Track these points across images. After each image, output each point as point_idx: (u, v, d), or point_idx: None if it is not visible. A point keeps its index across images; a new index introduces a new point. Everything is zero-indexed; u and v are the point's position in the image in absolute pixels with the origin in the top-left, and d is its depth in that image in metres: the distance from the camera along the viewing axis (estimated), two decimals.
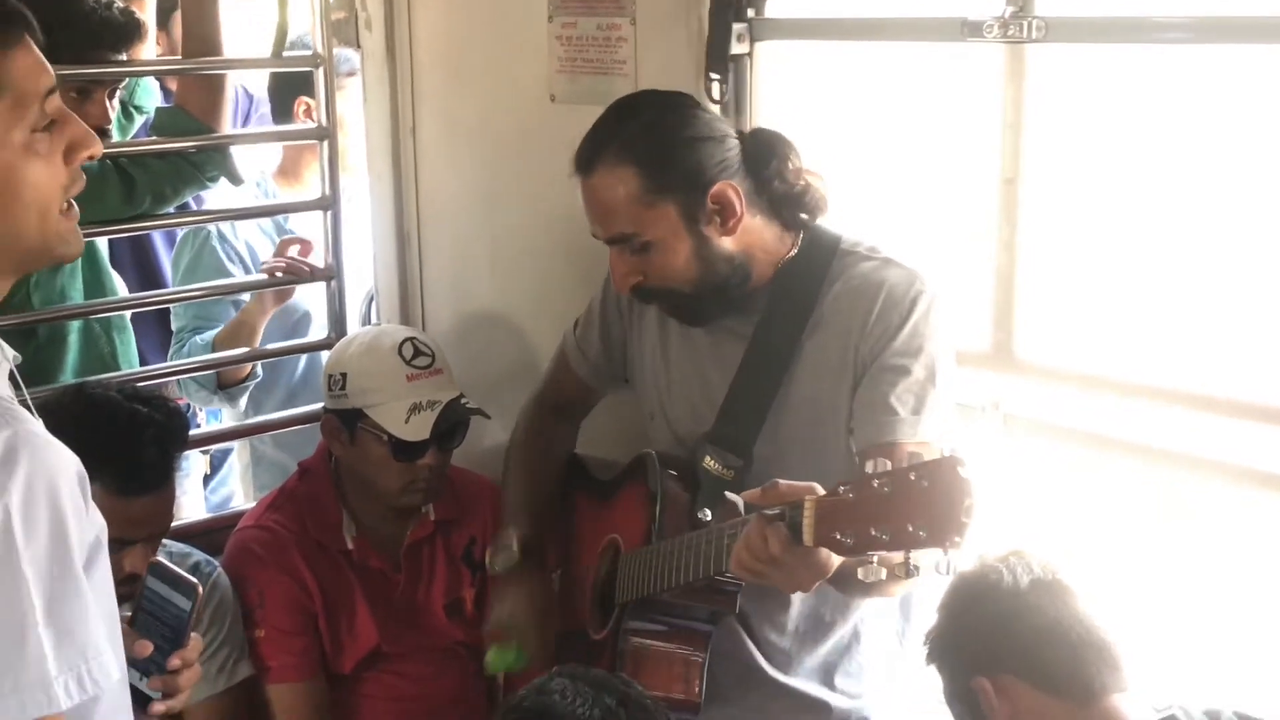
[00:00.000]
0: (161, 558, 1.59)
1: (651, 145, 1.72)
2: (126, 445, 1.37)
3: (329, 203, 2.44)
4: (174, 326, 2.70)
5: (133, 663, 1.39)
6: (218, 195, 2.64)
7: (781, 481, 1.44)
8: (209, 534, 2.29)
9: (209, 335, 2.63)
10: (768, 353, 1.77)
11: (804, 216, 1.79)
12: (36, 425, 1.17)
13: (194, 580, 1.47)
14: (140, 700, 1.40)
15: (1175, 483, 1.81)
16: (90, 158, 1.23)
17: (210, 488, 3.24)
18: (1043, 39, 1.75)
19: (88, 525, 1.18)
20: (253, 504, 2.68)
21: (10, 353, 1.27)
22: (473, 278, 2.54)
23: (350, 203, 2.58)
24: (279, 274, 2.49)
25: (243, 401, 2.72)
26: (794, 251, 1.78)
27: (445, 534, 2.24)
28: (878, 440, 1.65)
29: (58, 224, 1.22)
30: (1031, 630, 1.57)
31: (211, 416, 3.11)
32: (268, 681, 2.11)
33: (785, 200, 1.78)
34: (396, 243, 2.58)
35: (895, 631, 1.92)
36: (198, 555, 2.12)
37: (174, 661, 1.45)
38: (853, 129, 2.07)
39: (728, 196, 1.71)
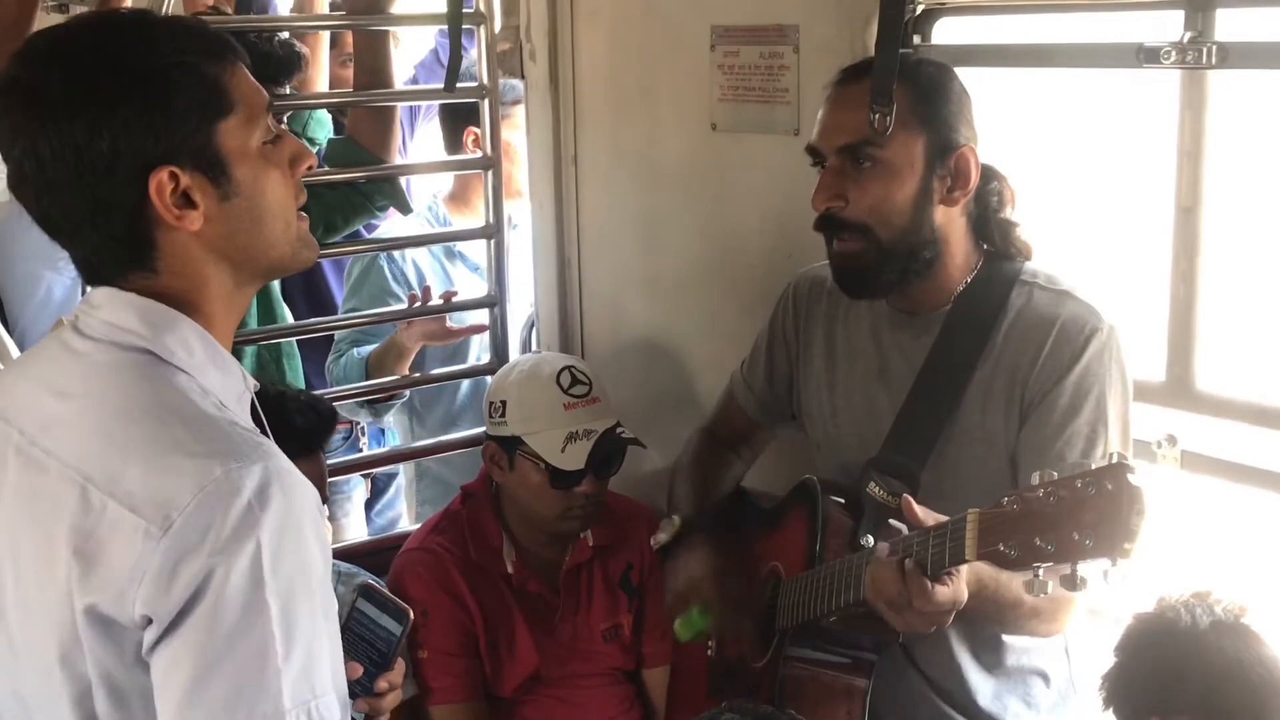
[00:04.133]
0: (372, 581, 1.67)
1: (932, 78, 1.77)
2: (274, 421, 1.46)
3: (493, 231, 2.57)
4: (335, 336, 2.85)
5: None
6: (388, 221, 2.79)
7: (919, 508, 1.49)
8: (375, 554, 2.41)
9: (366, 350, 2.77)
10: (940, 379, 1.78)
11: (987, 248, 1.83)
12: (284, 459, 1.23)
13: (405, 605, 1.52)
14: None
15: None
16: (309, 169, 1.33)
17: (376, 510, 3.39)
18: (1222, 64, 1.74)
19: (327, 548, 1.26)
20: (417, 521, 2.87)
21: (251, 381, 1.35)
22: (631, 305, 2.62)
23: (517, 229, 2.70)
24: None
25: (388, 418, 2.86)
26: (974, 275, 1.81)
27: (603, 560, 2.32)
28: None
29: (299, 229, 1.32)
30: (1210, 672, 1.57)
31: (374, 441, 3.27)
32: (430, 703, 2.20)
33: (994, 222, 1.82)
34: (557, 269, 2.69)
35: (1063, 676, 1.92)
36: (365, 575, 2.23)
37: (381, 684, 1.48)
38: (1025, 157, 2.07)
39: (969, 164, 1.75)
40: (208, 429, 1.22)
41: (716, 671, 2.08)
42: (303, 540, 1.21)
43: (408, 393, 2.82)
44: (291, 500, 1.20)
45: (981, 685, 1.86)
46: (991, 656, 1.86)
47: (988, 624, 1.76)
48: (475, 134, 2.74)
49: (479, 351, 2.86)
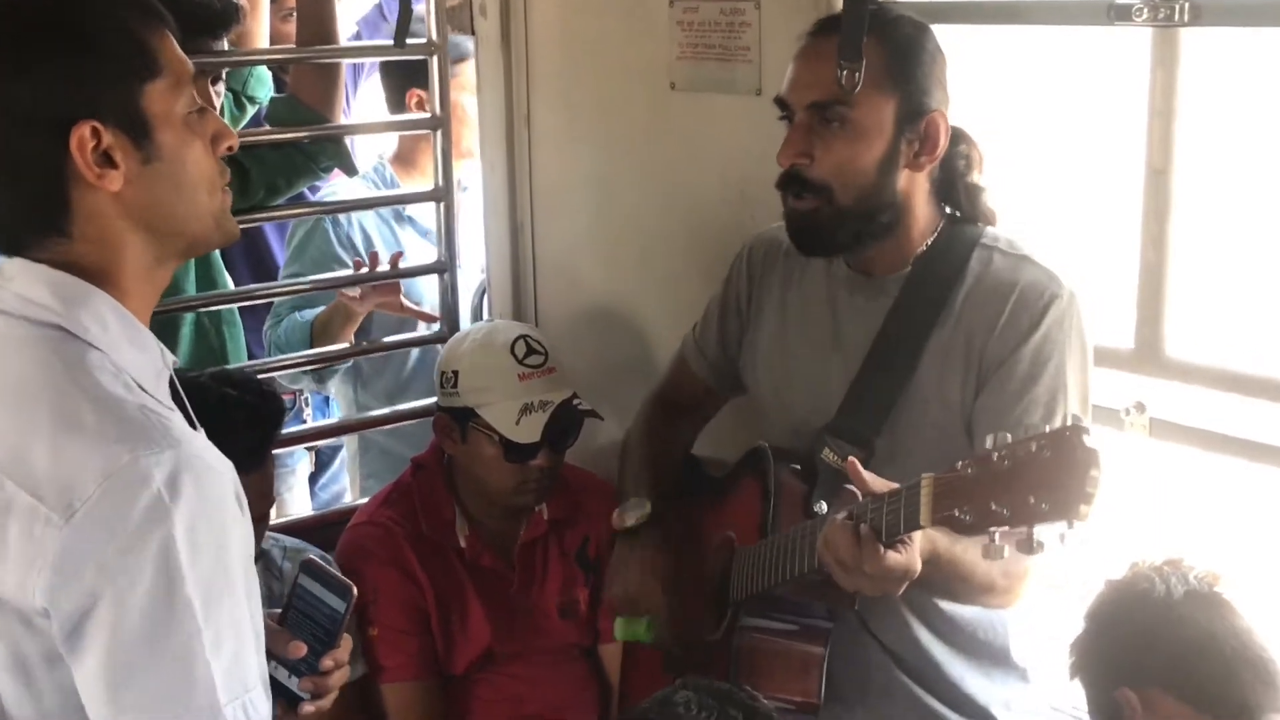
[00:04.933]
0: (314, 557, 1.64)
1: (909, 37, 1.75)
2: (217, 428, 1.42)
3: (442, 194, 2.52)
4: (275, 302, 2.78)
5: (283, 662, 1.44)
6: (332, 183, 2.72)
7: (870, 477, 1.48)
8: (321, 530, 2.37)
9: (310, 315, 2.70)
10: (896, 344, 1.78)
11: (951, 212, 1.82)
12: (197, 443, 1.22)
13: (348, 581, 1.50)
14: (289, 699, 1.44)
15: None
16: (229, 150, 1.31)
17: (320, 485, 3.34)
18: (1194, 22, 1.74)
19: (249, 541, 1.25)
20: (362, 495, 2.81)
21: (170, 358, 1.33)
22: (588, 271, 2.58)
23: (467, 191, 2.64)
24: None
25: (331, 385, 2.80)
26: (935, 238, 1.80)
27: (559, 533, 2.30)
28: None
29: (222, 204, 1.31)
30: (1182, 642, 1.58)
31: (318, 412, 3.22)
32: (381, 681, 2.18)
33: (960, 186, 1.80)
34: (509, 234, 2.65)
35: (1022, 647, 1.91)
36: (312, 551, 2.18)
37: (326, 662, 1.47)
38: (992, 117, 2.05)
39: (939, 130, 1.74)
40: (117, 411, 1.19)
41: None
42: (221, 531, 1.19)
43: (352, 360, 2.77)
44: (205, 489, 1.18)
45: (937, 652, 1.86)
46: (944, 625, 1.86)
47: (942, 594, 1.76)
48: (420, 95, 2.69)
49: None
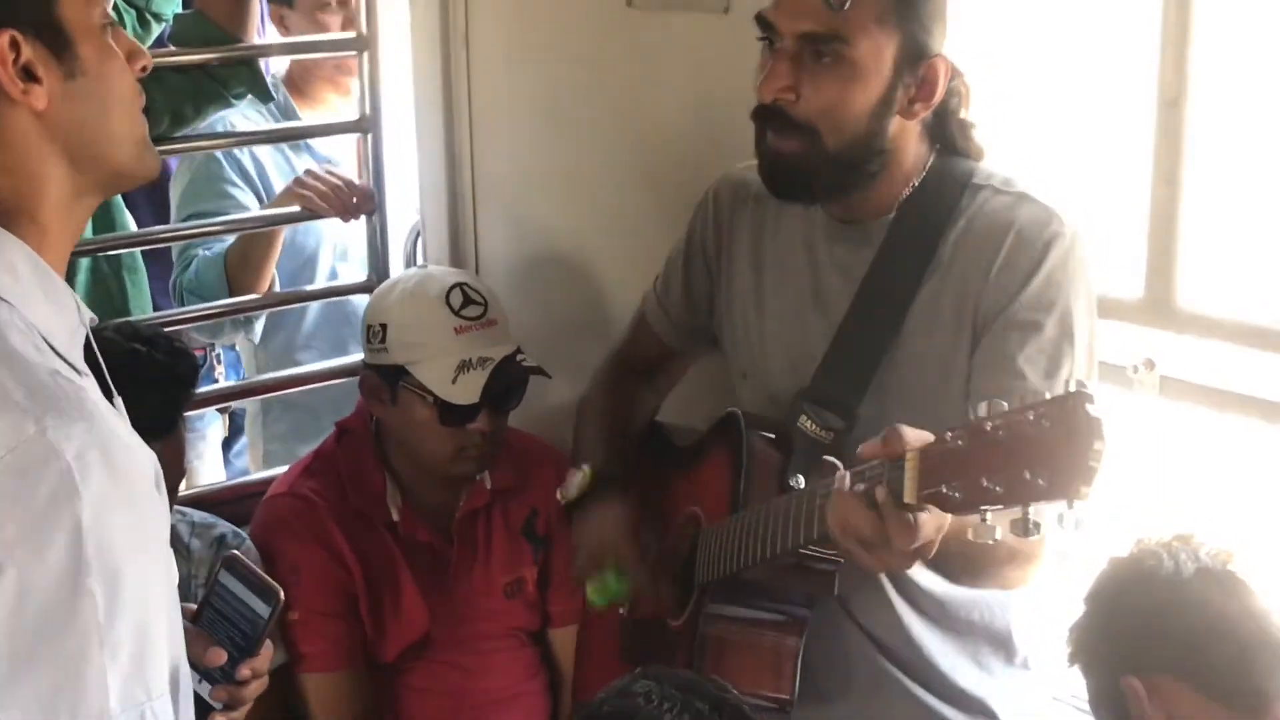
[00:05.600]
0: (238, 553, 1.61)
1: None
2: (125, 389, 1.40)
3: (369, 124, 2.47)
4: (173, 250, 2.72)
5: (193, 666, 1.40)
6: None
7: (907, 429, 1.39)
8: (235, 502, 2.34)
9: (219, 248, 2.65)
10: (881, 298, 1.76)
11: (939, 147, 1.79)
12: (112, 417, 1.19)
13: (274, 584, 1.49)
14: (200, 708, 1.39)
15: None
16: (144, 70, 1.28)
17: (234, 451, 3.29)
18: None
19: (164, 524, 1.22)
20: (266, 463, 2.79)
21: (88, 314, 1.30)
22: (534, 211, 2.54)
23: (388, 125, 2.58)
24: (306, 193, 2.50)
25: (258, 328, 2.76)
26: (922, 178, 1.77)
27: (503, 505, 2.27)
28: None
29: (144, 131, 1.28)
30: (1194, 626, 1.57)
31: (232, 370, 3.17)
32: (301, 670, 2.15)
33: (953, 124, 1.77)
34: (446, 171, 2.58)
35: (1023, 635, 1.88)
36: (223, 526, 2.17)
37: (244, 671, 1.45)
38: (990, 44, 2.03)
39: (938, 75, 1.70)
40: (25, 376, 1.15)
41: (630, 632, 2.05)
42: (134, 517, 1.15)
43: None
44: (118, 468, 1.14)
45: (928, 640, 1.84)
46: (936, 609, 1.84)
47: (958, 566, 1.73)
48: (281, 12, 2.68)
49: (351, 264, 2.76)
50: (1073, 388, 1.26)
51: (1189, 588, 1.58)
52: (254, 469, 2.95)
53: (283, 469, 2.36)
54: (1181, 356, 1.89)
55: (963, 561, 1.72)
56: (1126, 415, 1.88)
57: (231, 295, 2.60)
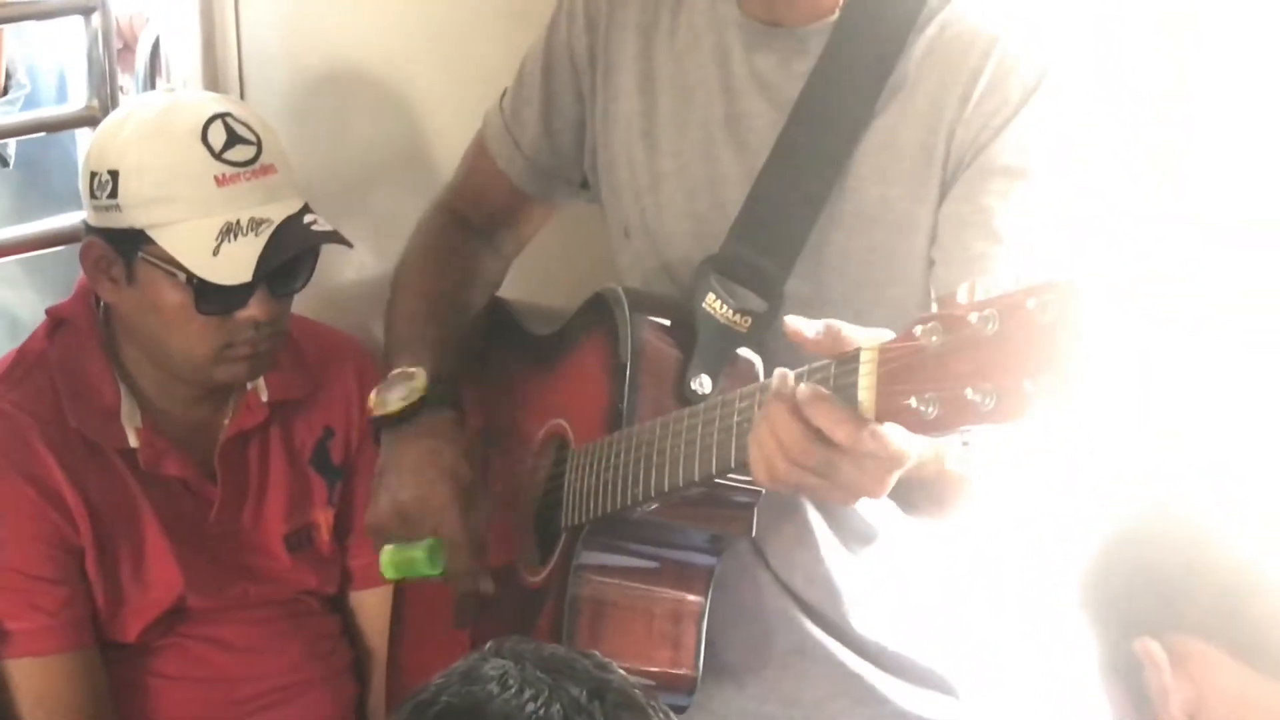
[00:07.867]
0: None
1: None
2: None
3: None
4: None
5: None
6: None
7: (844, 326, 1.40)
8: None
9: None
10: (819, 129, 1.78)
11: None
12: None
13: None
14: None
15: None
16: None
17: None
18: None
19: None
20: None
21: None
22: (321, 12, 2.47)
23: None
24: None
25: None
26: None
27: (285, 424, 2.28)
28: (969, 280, 1.61)
29: None
30: (1228, 578, 1.59)
31: None
32: (5, 655, 2.14)
33: None
34: None
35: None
36: None
37: None
38: None
39: None
40: None
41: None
42: None
43: (26, 84, 2.90)
44: None
45: (860, 600, 1.89)
46: (864, 549, 1.89)
47: (918, 498, 1.79)
48: None
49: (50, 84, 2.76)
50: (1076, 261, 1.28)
51: (1223, 534, 1.60)
52: None
53: None
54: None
55: (926, 492, 1.76)
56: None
57: None
